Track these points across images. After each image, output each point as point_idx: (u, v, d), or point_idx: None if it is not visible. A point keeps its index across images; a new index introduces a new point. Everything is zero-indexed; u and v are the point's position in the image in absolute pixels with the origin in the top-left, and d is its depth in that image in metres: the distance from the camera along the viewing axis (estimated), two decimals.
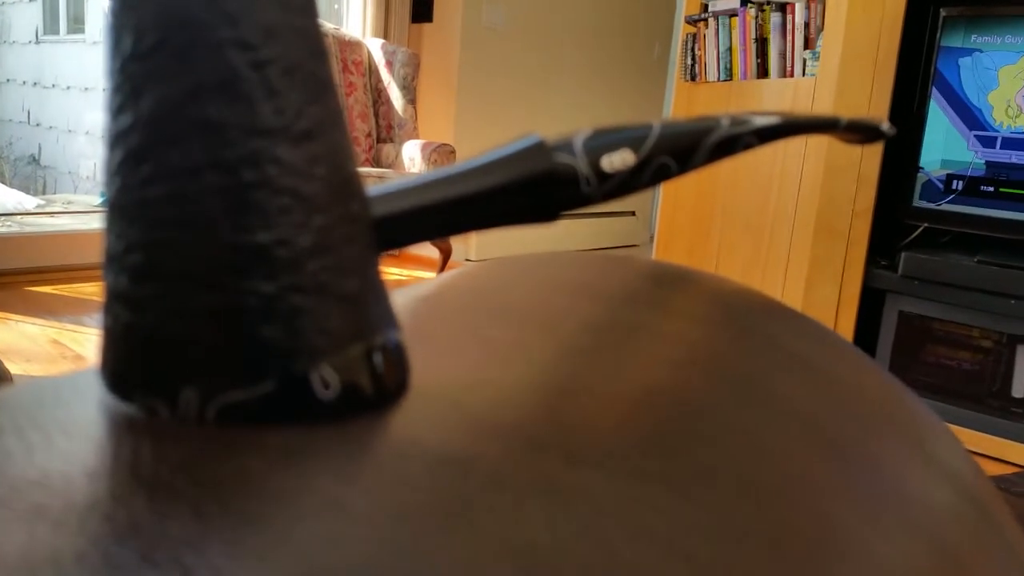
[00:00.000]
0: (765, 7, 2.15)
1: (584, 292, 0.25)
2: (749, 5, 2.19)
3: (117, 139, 0.14)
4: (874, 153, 1.86)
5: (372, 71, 3.17)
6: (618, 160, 0.19)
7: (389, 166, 3.03)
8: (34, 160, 5.72)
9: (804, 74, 2.09)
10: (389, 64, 3.12)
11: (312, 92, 0.15)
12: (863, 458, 0.20)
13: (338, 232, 0.15)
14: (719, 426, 0.18)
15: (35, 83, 5.81)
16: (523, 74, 3.73)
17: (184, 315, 0.14)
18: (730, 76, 2.26)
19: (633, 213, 4.50)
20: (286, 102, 0.14)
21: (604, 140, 0.19)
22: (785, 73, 2.14)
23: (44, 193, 5.29)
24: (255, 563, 0.10)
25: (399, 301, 0.24)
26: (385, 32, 3.44)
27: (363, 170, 2.56)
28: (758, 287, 2.15)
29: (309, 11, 0.15)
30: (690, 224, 2.37)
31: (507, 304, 0.24)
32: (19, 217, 3.53)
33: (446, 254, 2.92)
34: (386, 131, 3.13)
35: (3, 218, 3.40)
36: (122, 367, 0.14)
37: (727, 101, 2.28)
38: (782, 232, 2.11)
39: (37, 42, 5.77)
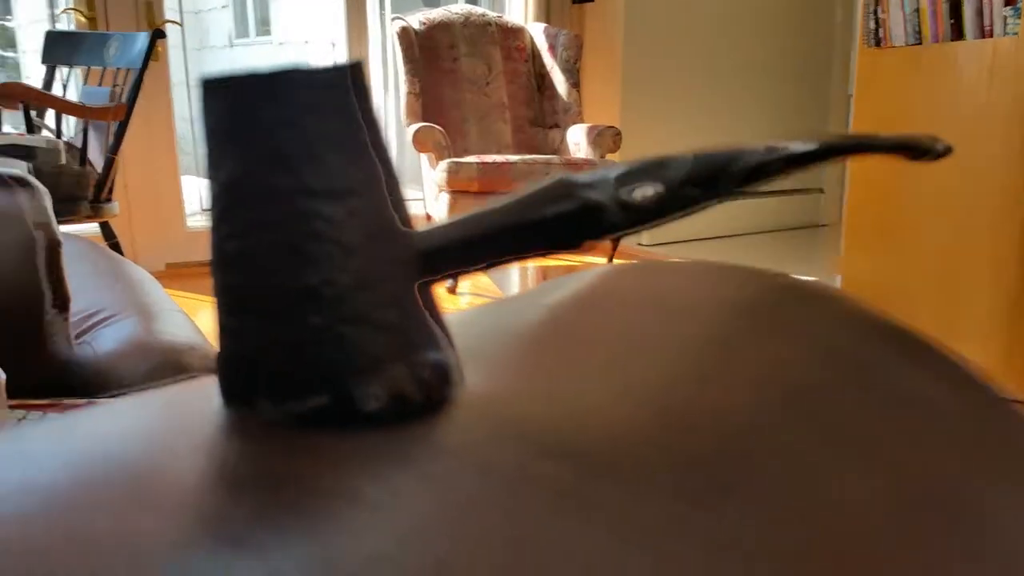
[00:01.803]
0: None
1: (683, 308, 0.26)
2: None
3: (212, 203, 0.18)
4: None
5: (535, 56, 3.21)
6: (648, 192, 0.20)
7: (554, 152, 3.08)
8: None
9: (1005, 33, 1.90)
10: (552, 48, 3.15)
11: (351, 156, 0.18)
12: (962, 505, 0.20)
13: (376, 271, 0.18)
14: (767, 448, 0.18)
15: None
16: (691, 49, 3.63)
17: (260, 342, 0.18)
18: (919, 39, 2.10)
19: (821, 190, 4.26)
20: (327, 167, 0.17)
21: (630, 174, 0.20)
22: (983, 33, 1.95)
23: None
24: (290, 544, 0.13)
25: (491, 317, 0.27)
26: (547, 15, 3.47)
27: (528, 157, 2.62)
28: (957, 271, 1.99)
29: (348, 88, 0.18)
30: (881, 203, 2.23)
31: (593, 321, 0.25)
32: None
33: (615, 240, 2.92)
34: (550, 116, 3.17)
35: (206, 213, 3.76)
36: (224, 379, 0.18)
37: (916, 66, 2.12)
38: (984, 209, 1.93)
39: (231, 46, 6.32)
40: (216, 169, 0.17)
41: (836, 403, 0.22)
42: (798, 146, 0.21)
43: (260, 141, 0.17)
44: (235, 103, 0.17)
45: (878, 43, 2.21)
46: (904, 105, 2.16)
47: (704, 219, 3.81)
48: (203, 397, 0.19)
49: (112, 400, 0.20)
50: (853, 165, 2.30)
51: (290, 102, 0.17)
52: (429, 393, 0.18)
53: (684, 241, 3.69)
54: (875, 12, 2.19)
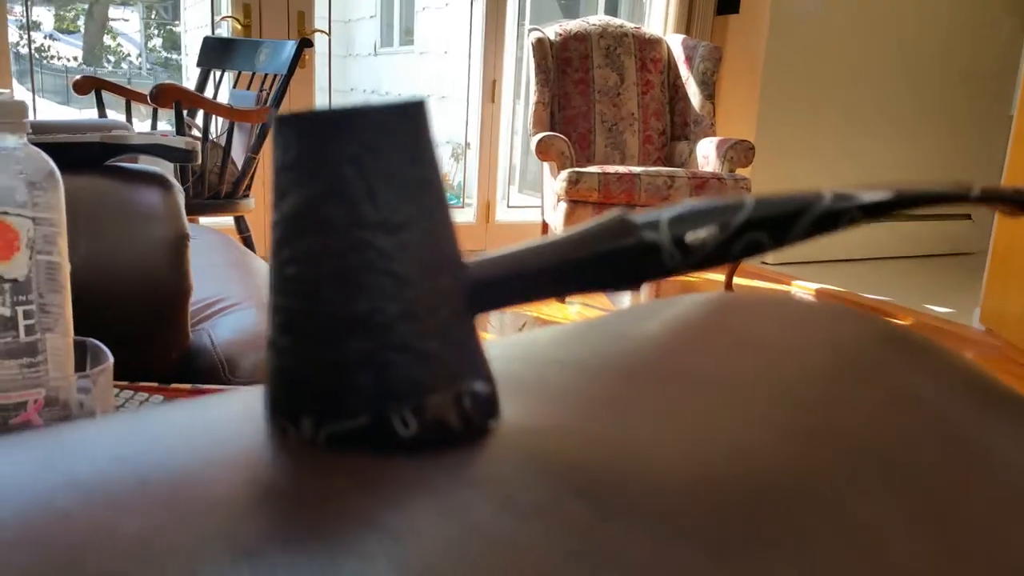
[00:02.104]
0: None
1: (770, 351, 0.25)
2: None
3: (273, 229, 0.19)
4: None
5: (671, 67, 3.17)
6: (704, 234, 0.20)
7: (682, 164, 3.03)
8: None
9: None
10: (688, 60, 3.10)
11: (407, 192, 0.18)
12: None
13: (425, 302, 0.19)
14: (812, 501, 0.18)
15: (373, 91, 6.64)
16: (837, 68, 3.47)
17: (308, 363, 0.19)
18: None
19: (969, 217, 4.00)
20: (384, 201, 0.18)
21: (690, 216, 0.20)
22: None
23: None
24: (297, 563, 0.14)
25: (562, 344, 0.27)
26: (687, 27, 3.42)
27: (651, 169, 2.58)
28: None
29: (408, 127, 0.18)
30: None
31: (670, 357, 0.25)
32: None
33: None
34: (681, 128, 3.12)
35: None
36: (270, 395, 0.19)
37: None
38: None
39: (375, 54, 6.59)
40: (281, 199, 0.19)
41: (914, 464, 0.21)
42: (869, 196, 0.20)
43: (324, 174, 0.18)
44: (306, 138, 0.18)
45: None
46: None
47: (842, 240, 3.64)
48: (249, 409, 0.20)
49: (173, 403, 0.21)
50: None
51: (355, 139, 0.18)
52: (468, 423, 0.19)
53: (815, 262, 3.54)
54: None
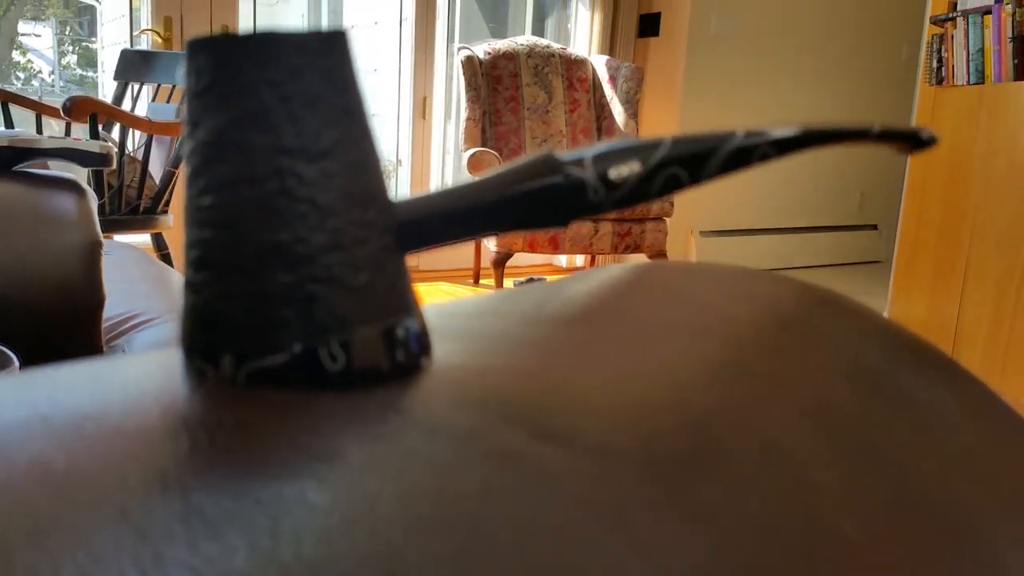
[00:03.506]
0: None
1: (712, 307, 0.26)
2: (1005, 1, 1.97)
3: (186, 160, 0.18)
4: None
5: (596, 87, 3.23)
6: (625, 171, 0.20)
7: None
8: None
9: None
10: (612, 79, 3.17)
11: (330, 120, 0.18)
12: (956, 517, 0.19)
13: (351, 233, 0.18)
14: (744, 432, 0.18)
15: None
16: (751, 83, 3.61)
17: (226, 297, 0.18)
18: (982, 79, 2.04)
19: (876, 227, 4.18)
20: (305, 127, 0.18)
21: (613, 153, 0.20)
22: None
23: None
24: (213, 484, 0.13)
25: (503, 302, 0.27)
26: (611, 48, 3.50)
27: None
28: (1011, 311, 1.92)
29: (331, 54, 0.18)
30: (936, 241, 2.17)
31: (611, 311, 0.25)
32: None
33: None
34: None
35: None
36: (186, 337, 0.19)
37: (978, 105, 2.06)
38: None
39: None
40: (195, 127, 0.18)
41: (831, 400, 0.22)
42: (778, 131, 0.21)
43: (241, 99, 0.17)
44: (219, 63, 0.18)
45: (940, 82, 2.16)
46: (963, 143, 2.11)
47: (755, 251, 3.76)
48: (166, 359, 0.19)
49: (90, 360, 0.20)
50: (907, 202, 2.25)
51: (273, 64, 0.17)
52: (397, 358, 0.18)
53: None
54: (939, 51, 2.14)
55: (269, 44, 0.17)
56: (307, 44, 0.18)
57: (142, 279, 1.16)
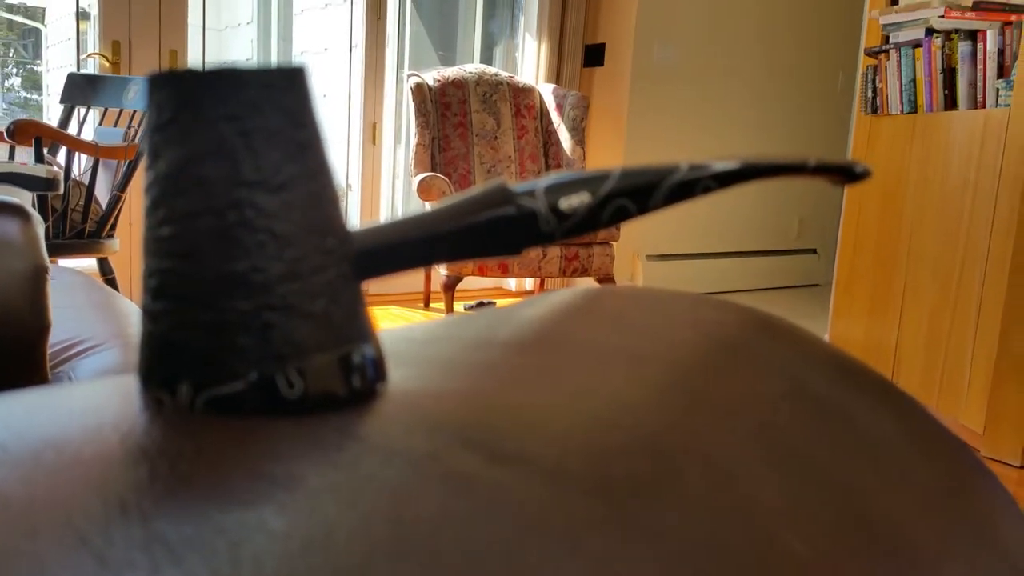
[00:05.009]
0: (953, 36, 2.02)
1: (655, 331, 0.26)
2: (935, 35, 2.07)
3: (146, 191, 0.19)
4: None
5: (543, 114, 3.28)
6: (576, 201, 0.21)
7: None
8: None
9: (997, 104, 1.93)
10: (559, 107, 3.21)
11: (289, 153, 0.18)
12: (890, 530, 0.20)
13: (308, 263, 0.18)
14: (689, 452, 0.19)
15: None
16: (693, 112, 3.70)
17: (184, 326, 0.18)
18: (915, 108, 2.13)
19: (815, 251, 4.30)
20: (264, 161, 0.18)
21: (563, 185, 0.21)
22: (976, 104, 1.99)
23: None
24: (173, 512, 0.14)
25: (452, 327, 0.27)
26: (558, 77, 3.55)
27: None
28: (946, 334, 1.99)
29: (290, 90, 0.19)
30: (873, 265, 2.24)
31: (559, 334, 0.26)
32: None
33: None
34: (555, 170, 3.22)
35: None
36: (143, 365, 0.19)
37: (911, 134, 2.15)
38: (973, 275, 1.94)
39: None
40: (155, 159, 0.18)
41: (774, 422, 0.23)
42: (721, 165, 0.22)
43: (202, 133, 0.18)
44: (181, 97, 0.18)
45: (875, 111, 2.25)
46: (898, 171, 2.19)
47: (699, 275, 3.82)
48: (122, 387, 0.19)
49: (47, 387, 0.20)
50: (844, 227, 2.32)
51: (233, 99, 0.18)
52: (353, 384, 0.19)
53: None
54: (873, 81, 2.23)
55: (230, 80, 0.18)
56: (267, 80, 0.18)
57: (87, 304, 1.13)
